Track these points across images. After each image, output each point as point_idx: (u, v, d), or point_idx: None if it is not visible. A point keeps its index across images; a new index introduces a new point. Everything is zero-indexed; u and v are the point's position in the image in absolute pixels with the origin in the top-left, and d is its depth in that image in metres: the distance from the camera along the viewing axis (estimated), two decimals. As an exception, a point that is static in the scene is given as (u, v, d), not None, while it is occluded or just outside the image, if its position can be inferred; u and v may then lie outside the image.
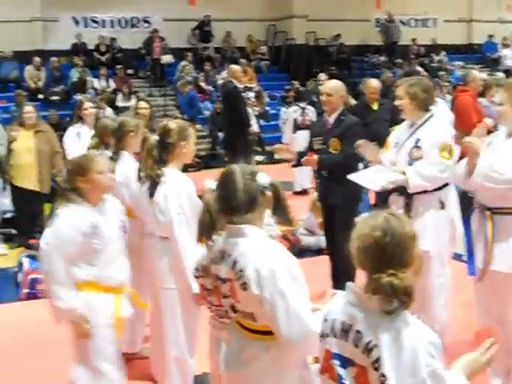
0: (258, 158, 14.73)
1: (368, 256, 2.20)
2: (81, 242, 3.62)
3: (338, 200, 5.78)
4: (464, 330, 4.90)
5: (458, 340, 4.63)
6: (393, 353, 2.10)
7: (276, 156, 15.44)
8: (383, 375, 2.10)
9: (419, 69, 18.70)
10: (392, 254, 2.17)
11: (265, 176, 2.76)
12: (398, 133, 5.16)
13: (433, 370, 2.08)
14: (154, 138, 4.19)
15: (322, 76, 13.09)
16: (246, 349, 2.73)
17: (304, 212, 8.15)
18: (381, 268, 2.16)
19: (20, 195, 8.33)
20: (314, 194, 7.05)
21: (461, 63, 21.23)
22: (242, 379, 2.73)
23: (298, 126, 11.35)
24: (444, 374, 2.11)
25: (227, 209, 2.76)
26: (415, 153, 4.86)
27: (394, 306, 2.14)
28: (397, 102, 4.99)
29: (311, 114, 11.33)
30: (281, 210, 2.79)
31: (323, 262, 6.15)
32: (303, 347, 2.62)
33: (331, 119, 5.91)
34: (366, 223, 2.25)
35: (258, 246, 2.67)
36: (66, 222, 3.61)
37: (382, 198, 5.25)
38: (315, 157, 5.83)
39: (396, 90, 5.09)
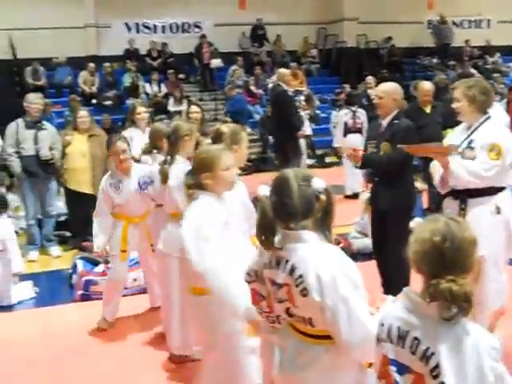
0: (309, 161, 14.69)
1: (426, 261, 2.17)
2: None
3: (387, 205, 5.69)
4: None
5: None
6: (454, 361, 2.07)
7: (327, 159, 15.44)
8: (441, 382, 2.07)
9: (473, 71, 18.41)
10: (451, 260, 2.13)
11: (319, 180, 2.71)
12: (454, 136, 5.09)
13: (499, 373, 2.07)
14: (207, 141, 4.21)
15: (371, 79, 12.99)
16: (303, 353, 2.70)
17: (355, 216, 8.10)
18: (439, 273, 2.12)
19: (74, 198, 8.46)
20: (366, 195, 6.97)
21: (515, 65, 20.83)
22: (299, 382, 2.71)
23: (348, 130, 11.27)
24: (509, 378, 2.09)
25: (283, 215, 2.72)
26: (467, 153, 4.79)
27: (452, 313, 2.11)
28: (454, 105, 4.91)
29: (362, 117, 11.25)
30: (325, 219, 2.71)
31: (374, 266, 6.09)
32: (363, 351, 2.59)
33: (384, 122, 5.85)
34: (425, 227, 2.21)
35: (317, 251, 2.64)
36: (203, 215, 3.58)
37: (436, 201, 5.16)
38: (360, 154, 5.78)
39: (452, 92, 5.00)
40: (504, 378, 2.08)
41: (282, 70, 11.16)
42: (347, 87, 16.34)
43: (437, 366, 2.08)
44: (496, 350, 2.09)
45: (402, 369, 2.21)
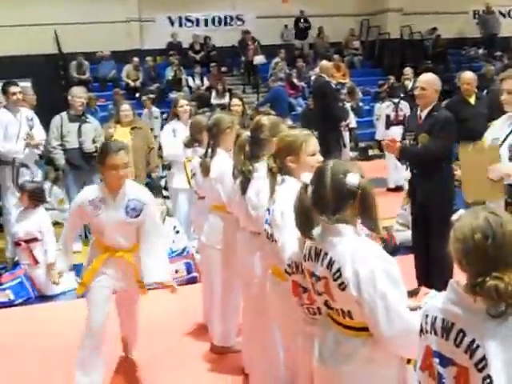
0: (352, 154, 14.60)
1: (470, 259, 2.13)
2: None
3: (426, 198, 5.63)
4: None
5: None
6: (502, 356, 2.02)
7: (370, 152, 15.33)
8: (489, 377, 2.03)
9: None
10: (495, 256, 2.08)
11: (355, 176, 2.67)
12: (496, 128, 4.99)
13: None
14: (247, 134, 4.20)
15: (409, 70, 12.79)
16: (342, 344, 2.71)
17: (397, 209, 8.02)
18: (484, 271, 2.08)
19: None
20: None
21: None
22: (338, 375, 2.71)
23: (390, 122, 11.15)
24: None
25: (318, 206, 2.73)
26: (515, 147, 4.71)
27: (501, 310, 2.06)
28: (504, 96, 4.80)
29: (405, 109, 11.10)
30: (367, 214, 2.69)
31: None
32: (402, 346, 2.58)
33: (423, 114, 5.78)
34: (465, 224, 2.16)
35: (355, 246, 2.63)
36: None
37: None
38: (398, 145, 5.73)
39: (500, 83, 4.90)
40: None
41: (325, 62, 11.10)
42: (391, 79, 16.18)
43: (483, 359, 2.05)
44: None
45: (445, 361, 2.18)
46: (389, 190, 10.91)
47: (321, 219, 2.74)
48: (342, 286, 2.59)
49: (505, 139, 4.78)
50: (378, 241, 7.36)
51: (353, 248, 2.61)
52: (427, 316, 2.28)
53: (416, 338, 2.37)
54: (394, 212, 8.05)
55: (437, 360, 2.21)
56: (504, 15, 21.63)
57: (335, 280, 2.62)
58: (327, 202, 2.69)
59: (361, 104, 16.74)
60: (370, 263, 2.55)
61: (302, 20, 19.60)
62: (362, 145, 15.73)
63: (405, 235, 7.51)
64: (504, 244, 2.09)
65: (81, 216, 4.51)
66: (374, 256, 2.58)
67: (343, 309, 2.66)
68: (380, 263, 2.56)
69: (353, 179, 2.66)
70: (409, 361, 2.66)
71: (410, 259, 6.12)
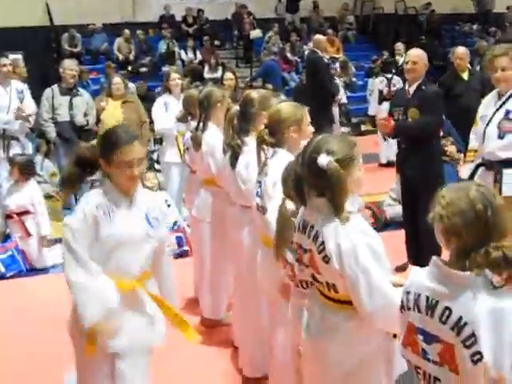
0: (344, 129, 14.56)
1: (470, 231, 2.11)
2: None
3: (415, 172, 5.65)
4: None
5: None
6: (492, 331, 2.03)
7: (362, 127, 15.29)
8: (479, 353, 2.04)
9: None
10: (493, 226, 2.09)
11: (325, 157, 2.61)
12: (485, 105, 5.00)
13: None
14: (236, 108, 4.19)
15: (400, 45, 12.72)
16: (327, 317, 2.73)
17: (390, 184, 8.03)
18: (484, 242, 2.08)
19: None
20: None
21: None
22: (324, 347, 2.73)
23: (383, 98, 11.11)
24: None
25: (305, 180, 2.75)
26: (506, 124, 4.72)
27: (503, 280, 2.08)
28: (499, 73, 4.77)
29: (398, 84, 11.02)
30: (333, 195, 2.62)
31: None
32: (384, 321, 2.59)
33: (412, 89, 5.78)
34: (459, 197, 2.15)
35: (340, 220, 2.62)
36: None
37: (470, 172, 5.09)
38: (392, 123, 5.73)
39: (494, 60, 4.83)
40: None
41: (318, 37, 11.04)
42: (384, 54, 16.11)
43: (471, 336, 2.05)
44: None
45: (430, 338, 2.18)
46: (381, 165, 10.93)
47: (310, 194, 2.75)
48: (326, 259, 2.61)
49: (492, 117, 4.80)
50: (369, 215, 7.44)
51: (336, 223, 2.61)
52: (409, 293, 2.27)
53: (397, 315, 2.36)
54: (386, 187, 8.05)
55: (421, 337, 2.21)
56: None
57: (319, 253, 2.64)
58: (306, 177, 2.72)
59: (354, 79, 16.69)
60: (352, 237, 2.56)
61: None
62: (354, 120, 15.68)
63: (396, 210, 7.53)
64: (498, 213, 2.11)
65: (88, 232, 3.06)
66: (358, 230, 2.59)
67: (328, 282, 2.68)
68: (363, 238, 2.57)
69: (322, 159, 2.61)
70: (395, 335, 2.66)
71: (401, 234, 6.15)
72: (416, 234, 5.74)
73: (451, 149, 7.47)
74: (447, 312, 2.12)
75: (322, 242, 2.62)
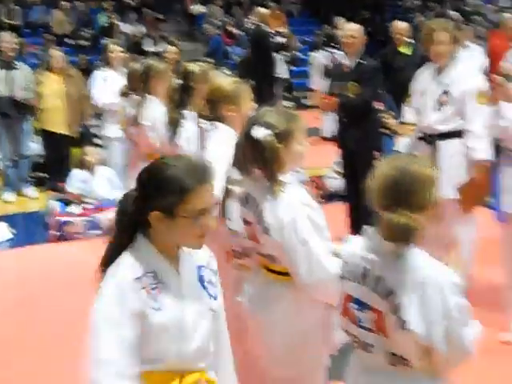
0: (287, 103, 14.60)
1: (383, 194, 2.16)
2: None
3: (356, 145, 5.74)
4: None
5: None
6: (416, 298, 2.09)
7: (304, 101, 15.35)
8: (403, 320, 2.10)
9: (453, 13, 18.25)
10: (406, 194, 2.12)
11: (258, 130, 2.63)
12: (420, 79, 5.07)
13: (463, 308, 2.11)
14: (177, 81, 4.17)
15: (341, 19, 12.78)
16: (269, 288, 2.77)
17: (332, 158, 8.10)
18: (394, 207, 2.12)
19: (49, 139, 8.41)
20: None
21: (496, 7, 20.60)
22: (266, 319, 2.76)
23: (327, 72, 11.17)
24: (469, 311, 2.14)
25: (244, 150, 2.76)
26: (444, 98, 4.80)
27: (406, 247, 2.13)
28: (438, 48, 4.81)
29: (340, 58, 11.12)
30: (266, 167, 2.65)
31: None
32: (322, 292, 2.64)
33: (350, 63, 5.84)
34: (384, 164, 2.22)
35: (279, 192, 2.65)
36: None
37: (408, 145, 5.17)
38: (334, 100, 5.79)
39: (435, 34, 4.87)
40: (466, 309, 2.13)
41: (262, 10, 10.98)
42: (328, 29, 16.13)
43: (399, 304, 2.11)
44: (457, 286, 2.12)
45: (364, 306, 2.23)
46: (324, 138, 10.99)
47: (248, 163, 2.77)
48: (266, 231, 2.64)
49: (429, 90, 4.87)
50: (312, 188, 7.50)
51: (276, 195, 2.63)
52: (347, 263, 2.32)
53: (336, 286, 2.42)
54: (330, 161, 8.12)
55: (355, 306, 2.26)
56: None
57: (259, 224, 2.66)
58: (245, 149, 2.73)
59: (298, 53, 16.70)
60: (292, 209, 2.59)
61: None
62: (297, 94, 15.73)
63: (339, 183, 7.61)
64: (416, 183, 2.13)
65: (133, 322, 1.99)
66: (297, 202, 2.62)
67: (269, 253, 2.70)
68: (302, 209, 2.60)
69: (256, 132, 2.64)
70: None
71: (344, 207, 6.24)
72: (357, 206, 5.83)
73: (391, 122, 7.57)
74: (377, 280, 2.17)
75: (262, 214, 2.64)
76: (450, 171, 4.50)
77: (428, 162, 2.27)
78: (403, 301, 2.10)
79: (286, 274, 2.70)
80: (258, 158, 2.67)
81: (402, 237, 2.11)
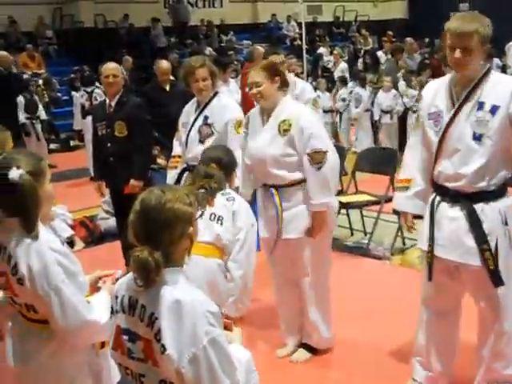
0: (53, 145, 14.29)
1: (132, 230, 2.25)
2: None
3: (124, 183, 5.74)
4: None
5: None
6: (171, 323, 2.13)
7: (71, 143, 15.08)
8: (163, 346, 2.13)
9: (209, 49, 19.08)
10: (148, 230, 2.22)
11: (16, 171, 2.52)
12: (185, 112, 5.27)
13: (213, 338, 2.13)
14: None
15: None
16: (28, 340, 2.67)
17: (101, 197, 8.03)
18: (141, 244, 2.21)
19: None
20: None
21: (249, 42, 21.78)
22: (26, 372, 2.67)
23: (86, 112, 11.04)
24: (224, 342, 2.17)
25: None
26: (206, 130, 5.01)
27: (145, 279, 2.19)
28: (200, 84, 4.99)
29: (99, 97, 11.07)
30: (26, 209, 2.54)
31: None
32: (80, 337, 2.61)
33: (113, 102, 5.88)
34: (140, 199, 2.29)
35: (30, 240, 2.55)
36: None
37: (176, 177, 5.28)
38: (135, 183, 5.71)
39: (197, 71, 5.03)
40: (219, 342, 2.14)
41: (1, 53, 10.72)
42: (85, 68, 16.01)
43: (159, 330, 2.14)
44: (212, 314, 2.16)
45: (133, 336, 2.25)
46: (92, 179, 10.85)
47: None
48: (20, 282, 2.55)
49: (193, 123, 5.09)
50: (82, 230, 7.33)
51: (26, 242, 2.54)
52: (117, 297, 2.34)
53: (95, 328, 2.49)
54: (99, 200, 8.03)
55: (126, 337, 2.27)
56: (192, 5, 22.57)
57: (14, 275, 2.56)
58: None
59: (59, 94, 16.39)
60: (43, 257, 2.51)
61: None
62: (63, 136, 15.42)
63: (108, 223, 7.57)
64: (158, 219, 2.21)
65: None
66: (48, 249, 2.54)
67: (27, 303, 2.62)
68: (55, 256, 2.53)
69: (13, 173, 2.52)
70: (103, 345, 2.69)
71: (117, 245, 6.20)
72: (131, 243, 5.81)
73: (160, 157, 7.68)
74: (143, 309, 2.21)
75: (15, 264, 2.55)
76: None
77: (183, 194, 2.30)
78: (162, 326, 2.14)
79: (46, 321, 2.61)
80: (14, 203, 2.54)
81: (143, 273, 2.18)
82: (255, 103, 4.33)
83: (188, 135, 5.13)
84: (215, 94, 5.13)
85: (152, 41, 20.52)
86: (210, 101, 5.08)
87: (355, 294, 5.39)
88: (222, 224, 4.25)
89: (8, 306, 2.75)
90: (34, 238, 2.55)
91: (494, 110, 3.33)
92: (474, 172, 3.40)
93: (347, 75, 15.55)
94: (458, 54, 3.31)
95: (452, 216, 3.50)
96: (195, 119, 5.10)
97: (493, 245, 3.41)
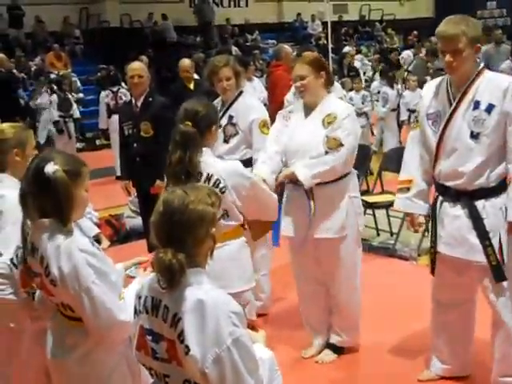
0: (79, 145, 14.38)
1: (155, 232, 2.24)
2: None
3: (151, 183, 5.72)
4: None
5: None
6: (195, 323, 2.12)
7: (97, 142, 15.18)
8: (187, 346, 2.12)
9: (234, 48, 19.06)
10: (172, 232, 2.20)
11: (52, 166, 2.55)
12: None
13: (237, 338, 2.12)
14: None
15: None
16: (67, 335, 2.69)
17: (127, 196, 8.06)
18: (164, 245, 2.19)
19: None
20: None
21: (274, 41, 21.77)
22: (67, 366, 2.69)
23: (111, 111, 11.11)
24: (248, 341, 2.16)
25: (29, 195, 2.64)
26: (230, 129, 4.99)
27: (170, 281, 2.18)
28: (224, 83, 4.93)
29: (124, 97, 11.07)
30: (59, 205, 2.56)
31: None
32: (114, 335, 2.62)
33: (139, 102, 5.89)
34: (161, 199, 2.28)
35: (60, 241, 2.56)
36: None
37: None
38: (161, 183, 5.71)
39: (221, 70, 4.99)
40: (242, 342, 2.13)
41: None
42: (111, 68, 16.10)
43: (183, 331, 2.14)
44: (236, 314, 2.15)
45: (157, 337, 2.25)
46: (118, 178, 10.90)
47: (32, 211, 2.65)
48: (53, 283, 2.56)
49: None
50: (108, 229, 7.38)
51: (57, 244, 2.54)
52: (140, 297, 2.34)
53: (126, 327, 2.48)
54: (125, 199, 8.07)
55: (149, 337, 2.27)
56: (217, 4, 22.62)
57: (47, 276, 2.58)
58: (31, 192, 2.61)
59: (81, 95, 16.47)
60: (72, 258, 2.52)
61: (15, 8, 18.61)
62: (89, 135, 15.52)
63: (136, 221, 7.59)
64: (183, 220, 2.20)
65: None
66: (77, 249, 2.54)
67: (63, 302, 2.64)
68: (84, 257, 2.53)
69: (49, 168, 2.55)
70: None
71: (142, 244, 6.21)
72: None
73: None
74: (166, 310, 2.20)
75: (47, 266, 2.56)
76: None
77: (204, 195, 2.29)
78: (185, 326, 2.13)
79: (81, 319, 2.62)
80: (48, 199, 2.57)
81: (167, 275, 2.17)
82: (285, 101, 4.30)
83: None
84: (240, 93, 5.08)
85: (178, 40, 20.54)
86: (234, 100, 5.04)
87: (382, 294, 5.35)
88: None
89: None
90: (68, 235, 2.55)
91: (489, 108, 3.46)
92: (472, 170, 3.52)
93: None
94: (448, 57, 3.44)
95: (454, 214, 3.62)
96: (220, 118, 5.08)
97: (495, 241, 3.50)
